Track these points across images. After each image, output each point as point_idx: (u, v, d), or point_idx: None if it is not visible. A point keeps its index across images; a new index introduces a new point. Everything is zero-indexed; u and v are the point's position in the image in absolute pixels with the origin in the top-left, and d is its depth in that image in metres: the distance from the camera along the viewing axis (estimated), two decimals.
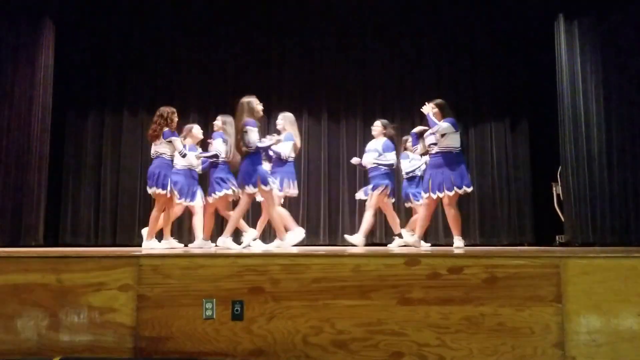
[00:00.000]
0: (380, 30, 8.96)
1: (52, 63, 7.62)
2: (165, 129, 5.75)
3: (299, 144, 6.41)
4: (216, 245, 5.81)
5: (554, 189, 7.96)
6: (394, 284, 3.22)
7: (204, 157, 6.19)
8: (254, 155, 5.39)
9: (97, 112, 8.66)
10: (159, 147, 5.79)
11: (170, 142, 5.75)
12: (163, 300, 3.23)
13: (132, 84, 8.73)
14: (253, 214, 7.43)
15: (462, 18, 8.98)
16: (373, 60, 8.93)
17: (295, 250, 4.55)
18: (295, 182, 6.25)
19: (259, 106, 5.52)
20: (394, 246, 6.40)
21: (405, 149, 6.89)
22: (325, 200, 8.65)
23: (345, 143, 8.83)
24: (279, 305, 3.21)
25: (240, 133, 5.34)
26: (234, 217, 5.54)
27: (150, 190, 5.79)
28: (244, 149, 5.35)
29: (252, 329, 3.19)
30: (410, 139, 6.28)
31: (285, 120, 6.43)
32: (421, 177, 6.46)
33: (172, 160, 5.87)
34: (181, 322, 3.21)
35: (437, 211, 8.65)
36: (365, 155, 6.70)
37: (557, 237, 7.81)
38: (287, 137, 6.24)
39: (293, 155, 6.29)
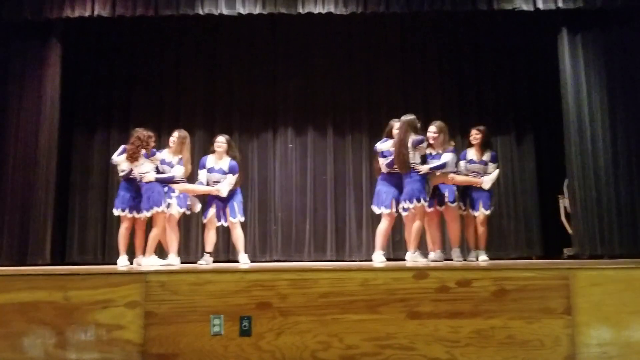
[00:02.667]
0: (385, 44, 8.98)
1: (59, 82, 7.67)
2: (143, 151, 5.92)
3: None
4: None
5: (560, 201, 7.92)
6: (402, 297, 3.21)
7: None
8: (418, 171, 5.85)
9: (104, 130, 8.68)
10: (140, 168, 5.89)
11: (152, 160, 5.99)
12: (171, 317, 3.22)
13: (138, 102, 8.76)
14: None
15: (466, 33, 9.00)
16: (378, 75, 8.95)
17: (302, 265, 4.54)
18: None
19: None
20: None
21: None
22: (332, 216, 8.62)
23: (351, 158, 8.80)
24: (287, 321, 3.20)
25: (411, 149, 5.79)
26: (417, 231, 5.91)
27: (148, 213, 5.85)
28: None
29: (260, 344, 3.18)
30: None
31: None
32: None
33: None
34: (189, 338, 3.20)
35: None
36: None
37: (565, 250, 7.75)
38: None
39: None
